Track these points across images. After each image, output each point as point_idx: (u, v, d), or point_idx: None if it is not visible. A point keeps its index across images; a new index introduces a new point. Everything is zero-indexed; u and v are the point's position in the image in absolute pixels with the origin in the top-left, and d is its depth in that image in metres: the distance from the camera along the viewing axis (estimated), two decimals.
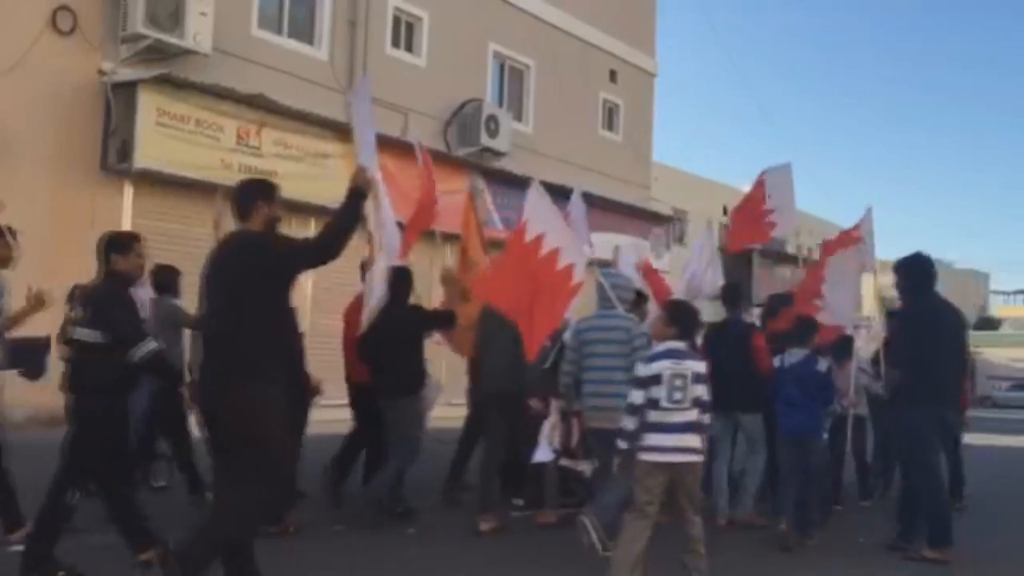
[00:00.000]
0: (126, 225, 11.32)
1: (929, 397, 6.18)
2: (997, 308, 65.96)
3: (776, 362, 6.80)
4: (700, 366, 4.96)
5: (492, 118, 15.68)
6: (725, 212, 28.58)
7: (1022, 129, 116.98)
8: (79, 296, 5.58)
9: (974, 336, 29.80)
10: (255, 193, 4.90)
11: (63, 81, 10.86)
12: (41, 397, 10.59)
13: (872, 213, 8.17)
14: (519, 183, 16.21)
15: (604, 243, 18.40)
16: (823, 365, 6.69)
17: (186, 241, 11.94)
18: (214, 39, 11.69)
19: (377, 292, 6.82)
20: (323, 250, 4.55)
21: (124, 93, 11.01)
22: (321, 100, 13.29)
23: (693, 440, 4.85)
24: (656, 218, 19.89)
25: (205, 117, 11.54)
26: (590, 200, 17.44)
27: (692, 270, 9.08)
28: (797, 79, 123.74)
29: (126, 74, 11.10)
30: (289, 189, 13.06)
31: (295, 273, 4.67)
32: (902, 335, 6.56)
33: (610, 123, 19.64)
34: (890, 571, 5.99)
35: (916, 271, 6.54)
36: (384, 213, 7.50)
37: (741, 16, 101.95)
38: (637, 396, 4.88)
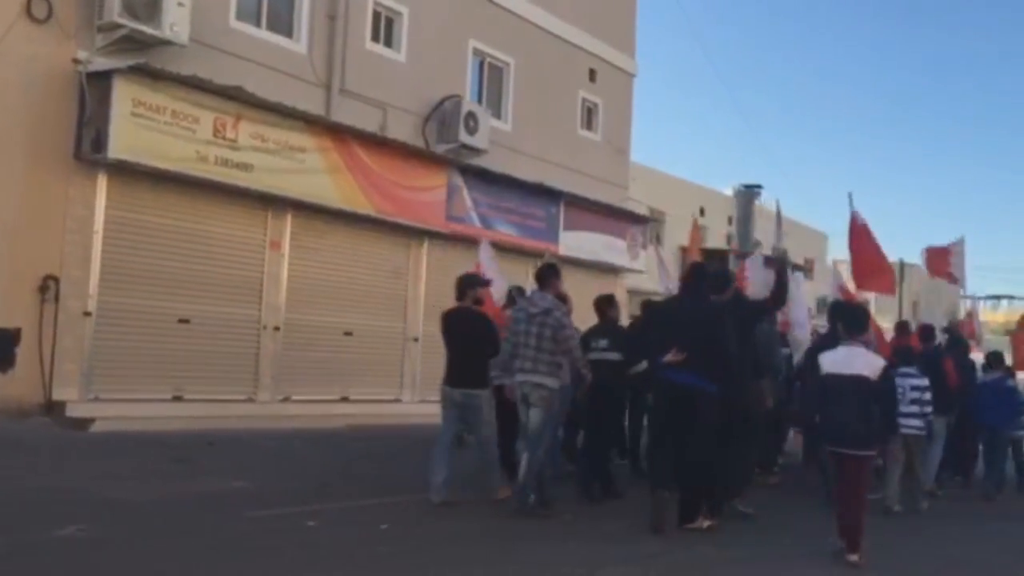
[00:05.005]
0: (99, 216, 11.21)
1: None
2: (966, 312, 66.54)
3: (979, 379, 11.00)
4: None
5: (471, 115, 15.64)
6: (703, 213, 28.72)
7: (992, 138, 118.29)
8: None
9: None
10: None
11: (37, 69, 10.72)
12: (9, 388, 10.51)
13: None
14: (497, 181, 16.21)
15: (582, 242, 18.47)
16: (1011, 383, 11.04)
17: (160, 233, 11.84)
18: (191, 30, 11.57)
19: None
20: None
21: (99, 83, 10.88)
22: (299, 93, 13.20)
23: None
24: (633, 218, 19.93)
25: (181, 108, 11.42)
26: (568, 199, 17.55)
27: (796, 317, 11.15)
28: (776, 82, 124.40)
29: (101, 63, 10.97)
30: (265, 182, 13.15)
31: None
32: None
33: (589, 122, 19.65)
34: None
35: None
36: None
37: (721, 18, 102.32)
38: None
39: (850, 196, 10.83)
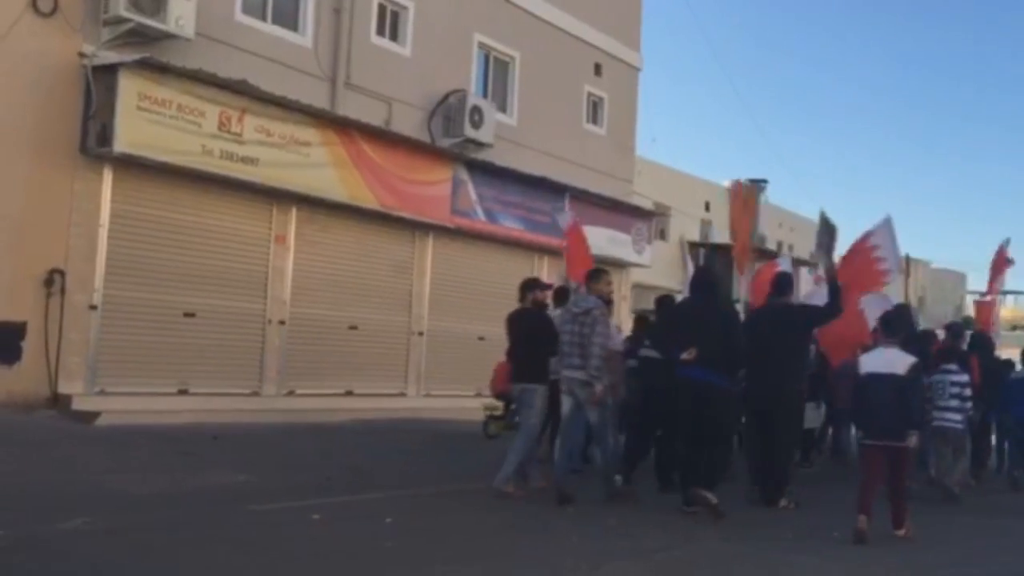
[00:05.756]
0: (105, 209, 11.22)
1: None
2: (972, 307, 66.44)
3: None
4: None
5: (476, 109, 15.63)
6: (707, 208, 28.69)
7: (995, 134, 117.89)
8: None
9: None
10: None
11: (43, 63, 10.73)
12: (15, 382, 10.54)
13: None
14: (502, 175, 16.19)
15: (587, 236, 18.38)
16: None
17: (165, 227, 11.86)
18: (197, 24, 11.57)
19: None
20: None
21: (105, 76, 10.89)
22: (304, 87, 13.20)
23: None
24: (638, 212, 19.90)
25: (187, 102, 11.42)
26: (573, 193, 17.52)
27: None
28: (782, 76, 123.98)
29: (107, 57, 10.97)
30: (270, 176, 13.15)
31: None
32: None
33: (594, 116, 19.62)
34: None
35: None
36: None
37: (726, 12, 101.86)
38: None
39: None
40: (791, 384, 8.31)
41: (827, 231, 9.42)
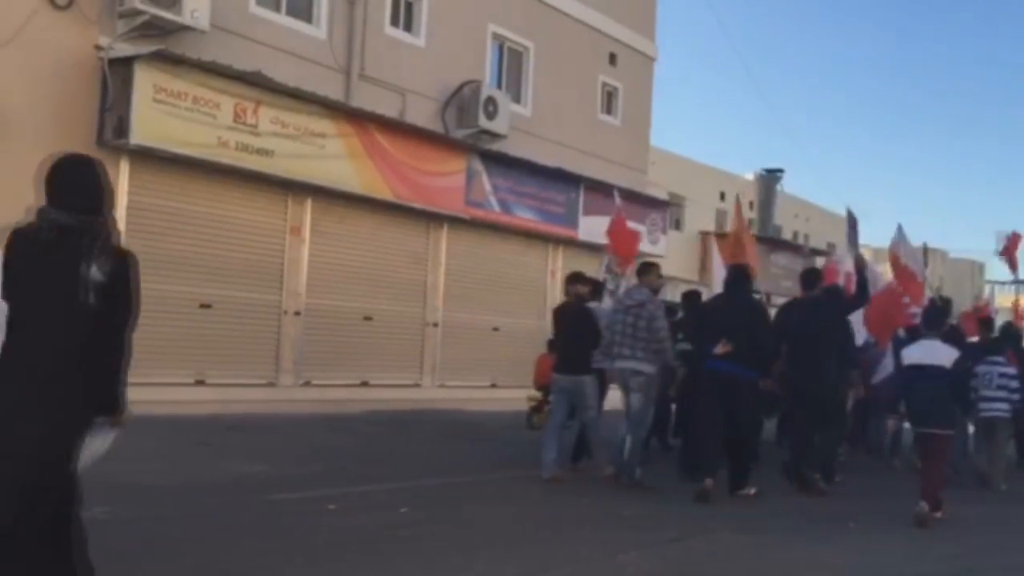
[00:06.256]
0: (122, 202, 11.28)
1: None
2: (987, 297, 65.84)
3: None
4: None
5: (491, 100, 15.60)
6: (723, 198, 28.59)
7: (1015, 121, 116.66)
8: None
9: None
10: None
11: (59, 56, 10.78)
12: None
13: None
14: (517, 165, 16.18)
15: (602, 226, 18.35)
16: None
17: (182, 218, 11.91)
18: (212, 16, 11.60)
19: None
20: None
21: (121, 69, 10.94)
22: (319, 79, 13.22)
23: None
24: (653, 202, 19.84)
25: (202, 94, 11.47)
26: (587, 183, 17.49)
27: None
28: (798, 66, 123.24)
29: (123, 50, 11.02)
30: (286, 168, 13.17)
31: None
32: None
33: (609, 107, 19.56)
34: None
35: None
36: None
37: (743, 2, 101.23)
38: None
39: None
40: (829, 375, 8.56)
41: (853, 225, 10.17)
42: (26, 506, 3.42)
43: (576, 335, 8.60)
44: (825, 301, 9.08)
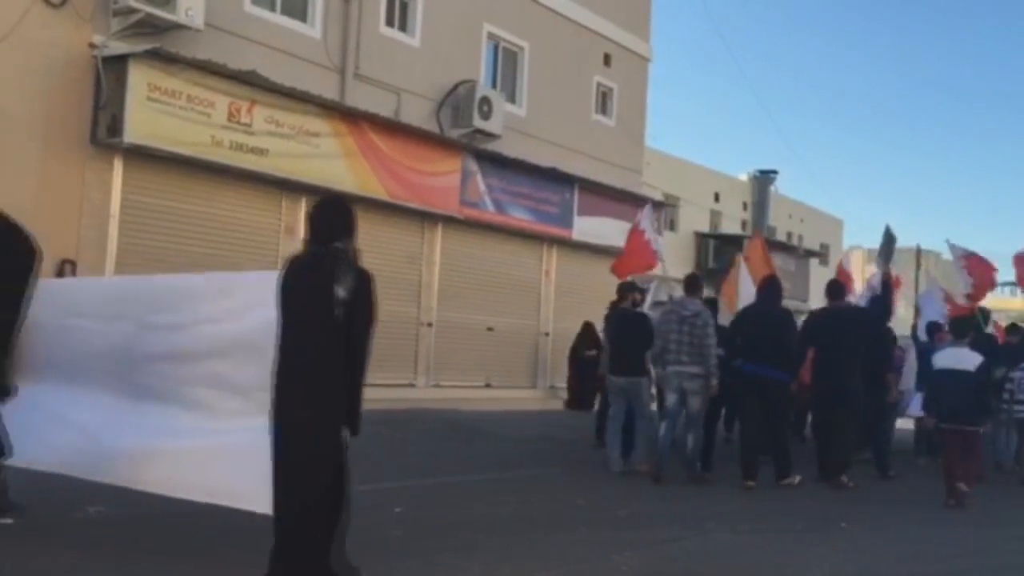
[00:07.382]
0: (115, 200, 11.25)
1: None
2: (987, 300, 66.18)
3: None
4: None
5: (485, 100, 15.59)
6: (717, 199, 28.65)
7: (1014, 122, 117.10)
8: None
9: None
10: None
11: (53, 54, 10.75)
12: None
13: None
14: (512, 165, 16.17)
15: (596, 227, 18.41)
16: None
17: (175, 218, 11.88)
18: (206, 14, 11.57)
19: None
20: None
21: (115, 67, 10.91)
22: (313, 78, 13.20)
23: None
24: (649, 203, 19.81)
25: (196, 93, 11.44)
26: (582, 184, 17.50)
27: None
28: (793, 68, 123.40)
29: (117, 48, 10.99)
30: (280, 167, 13.13)
31: None
32: None
33: (603, 107, 19.56)
34: None
35: None
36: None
37: (738, 3, 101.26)
38: None
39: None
40: (852, 380, 9.12)
41: (888, 242, 10.81)
42: (308, 484, 4.29)
43: (634, 338, 9.21)
44: (849, 310, 9.88)
